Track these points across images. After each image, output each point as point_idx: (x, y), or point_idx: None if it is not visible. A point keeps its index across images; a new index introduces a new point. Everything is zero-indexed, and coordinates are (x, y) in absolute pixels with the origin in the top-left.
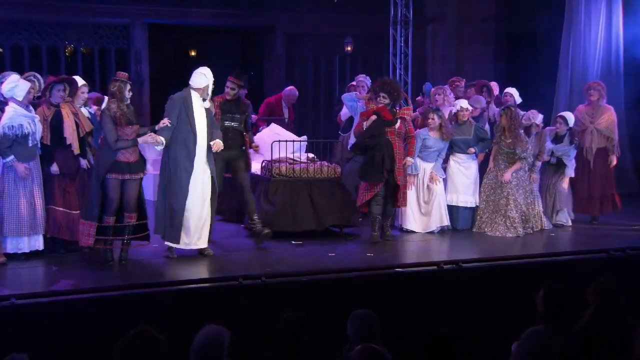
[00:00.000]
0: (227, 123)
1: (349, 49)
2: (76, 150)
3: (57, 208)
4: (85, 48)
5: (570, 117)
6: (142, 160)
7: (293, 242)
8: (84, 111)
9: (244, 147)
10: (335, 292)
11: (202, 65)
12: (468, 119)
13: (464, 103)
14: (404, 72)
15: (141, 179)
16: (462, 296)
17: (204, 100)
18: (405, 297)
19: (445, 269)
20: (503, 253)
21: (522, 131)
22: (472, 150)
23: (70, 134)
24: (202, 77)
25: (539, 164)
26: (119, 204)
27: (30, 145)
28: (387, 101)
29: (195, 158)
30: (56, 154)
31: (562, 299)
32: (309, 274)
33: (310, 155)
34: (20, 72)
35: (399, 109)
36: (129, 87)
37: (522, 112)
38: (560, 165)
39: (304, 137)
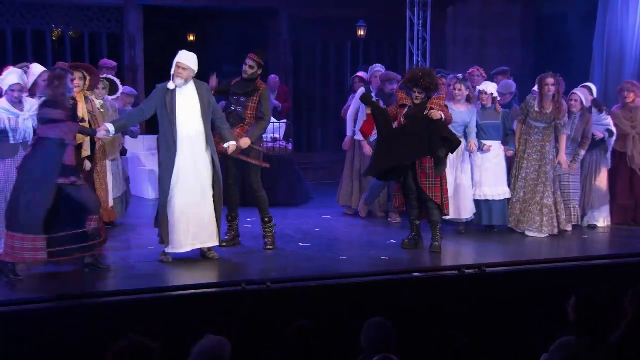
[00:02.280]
0: (231, 107)
1: (362, 33)
2: (85, 151)
3: None
4: (73, 32)
5: (592, 86)
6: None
7: (300, 244)
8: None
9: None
10: (347, 299)
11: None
12: (493, 105)
13: (484, 86)
14: (421, 58)
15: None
16: (486, 304)
17: (185, 82)
18: (424, 304)
19: (467, 273)
20: (531, 256)
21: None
22: (507, 149)
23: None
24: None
25: (582, 152)
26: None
27: (11, 142)
28: (422, 96)
29: (178, 154)
30: None
31: (595, 308)
32: (318, 278)
33: (275, 135)
34: (2, 59)
35: (430, 99)
36: (47, 78)
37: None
38: (597, 153)
39: (283, 121)
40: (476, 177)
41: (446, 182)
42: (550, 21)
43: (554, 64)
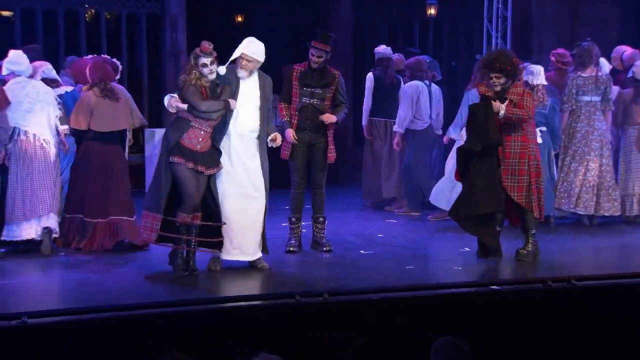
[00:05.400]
0: (304, 99)
1: (433, 12)
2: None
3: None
4: (110, 13)
5: None
6: None
7: (362, 251)
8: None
9: (326, 132)
10: (415, 315)
11: (250, 34)
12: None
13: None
14: (501, 41)
15: None
16: (576, 324)
17: (250, 74)
18: (503, 322)
19: (554, 287)
20: (627, 268)
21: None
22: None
23: None
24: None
25: None
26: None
27: None
28: (502, 81)
29: (223, 154)
30: None
31: None
32: (381, 291)
33: None
34: (33, 41)
35: (509, 89)
36: None
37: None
38: None
39: None
40: None
41: (539, 181)
42: None
43: None
